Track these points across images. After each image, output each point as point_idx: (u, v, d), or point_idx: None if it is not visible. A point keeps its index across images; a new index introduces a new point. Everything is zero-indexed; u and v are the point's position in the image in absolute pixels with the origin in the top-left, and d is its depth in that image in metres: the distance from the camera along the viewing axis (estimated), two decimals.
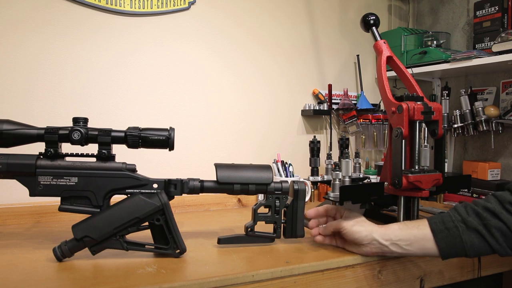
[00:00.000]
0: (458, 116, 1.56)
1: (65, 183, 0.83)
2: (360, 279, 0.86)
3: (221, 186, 0.89)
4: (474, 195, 1.46)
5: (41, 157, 0.84)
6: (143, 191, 0.85)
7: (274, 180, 0.91)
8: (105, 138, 0.84)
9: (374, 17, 1.15)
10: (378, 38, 1.13)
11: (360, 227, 0.84)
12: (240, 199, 1.43)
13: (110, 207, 0.80)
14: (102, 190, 0.84)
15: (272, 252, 0.88)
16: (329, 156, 1.50)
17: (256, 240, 0.92)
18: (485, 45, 1.48)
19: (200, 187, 0.89)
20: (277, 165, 1.46)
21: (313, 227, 0.93)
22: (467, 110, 1.54)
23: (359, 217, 0.88)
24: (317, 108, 1.62)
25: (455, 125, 1.57)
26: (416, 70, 1.60)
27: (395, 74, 1.14)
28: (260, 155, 1.54)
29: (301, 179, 1.42)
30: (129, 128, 0.86)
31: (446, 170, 1.43)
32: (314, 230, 0.92)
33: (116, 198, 0.82)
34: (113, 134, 0.84)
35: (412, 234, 0.81)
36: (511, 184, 0.80)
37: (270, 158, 1.51)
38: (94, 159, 0.86)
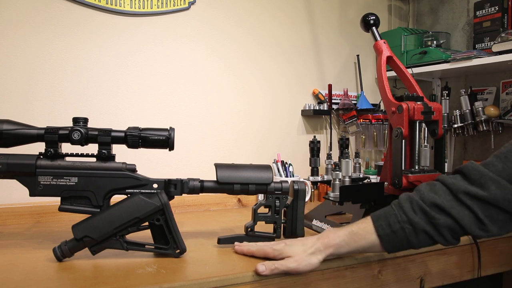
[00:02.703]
0: (458, 116, 1.56)
1: (65, 183, 0.83)
2: (360, 279, 0.86)
3: (221, 186, 0.89)
4: None
5: (41, 157, 0.84)
6: (143, 191, 0.85)
7: (274, 180, 0.91)
8: (105, 138, 0.84)
9: (374, 17, 1.15)
10: (378, 38, 1.13)
11: (307, 261, 0.75)
12: (240, 199, 1.42)
13: (110, 207, 0.80)
14: (102, 190, 0.84)
15: None
16: (329, 156, 1.50)
17: (256, 240, 0.91)
18: (485, 45, 1.48)
19: (200, 187, 0.89)
20: (277, 165, 1.46)
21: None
22: (467, 110, 1.54)
23: (296, 248, 0.77)
24: (317, 108, 1.62)
25: (455, 125, 1.57)
26: (416, 70, 1.60)
27: (395, 74, 1.14)
28: (260, 155, 1.54)
29: (301, 179, 1.42)
30: (129, 128, 0.86)
31: (446, 170, 1.43)
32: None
33: (116, 198, 0.82)
34: (113, 134, 0.84)
35: (360, 245, 0.77)
36: (463, 167, 0.72)
37: (270, 158, 1.51)
38: (94, 159, 0.85)
